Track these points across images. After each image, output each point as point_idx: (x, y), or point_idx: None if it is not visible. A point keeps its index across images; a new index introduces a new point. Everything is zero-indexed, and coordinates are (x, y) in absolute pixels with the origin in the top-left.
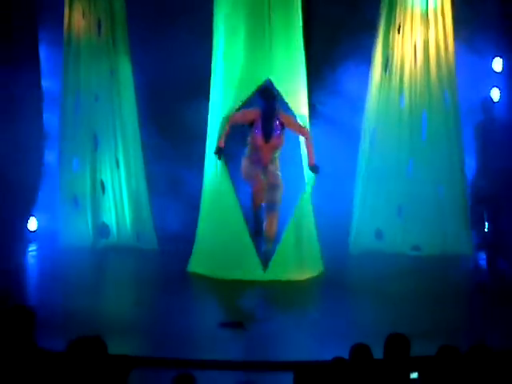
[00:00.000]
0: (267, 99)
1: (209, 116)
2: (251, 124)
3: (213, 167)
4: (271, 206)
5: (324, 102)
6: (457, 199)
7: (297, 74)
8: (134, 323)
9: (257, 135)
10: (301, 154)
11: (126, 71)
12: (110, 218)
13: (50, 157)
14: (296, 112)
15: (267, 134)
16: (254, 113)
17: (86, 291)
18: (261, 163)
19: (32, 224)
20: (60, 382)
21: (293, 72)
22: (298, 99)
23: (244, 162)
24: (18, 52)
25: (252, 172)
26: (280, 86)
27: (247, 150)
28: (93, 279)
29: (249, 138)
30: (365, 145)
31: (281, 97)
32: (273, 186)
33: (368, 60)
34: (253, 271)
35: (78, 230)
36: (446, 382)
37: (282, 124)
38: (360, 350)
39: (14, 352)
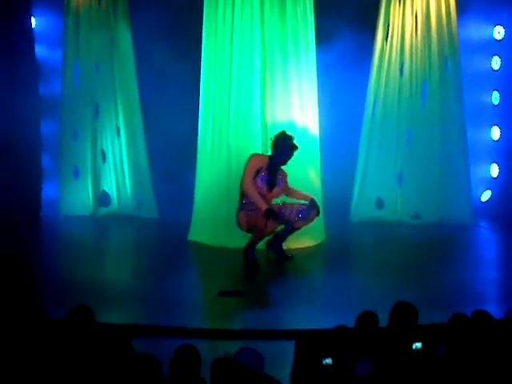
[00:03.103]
0: (291, 148)
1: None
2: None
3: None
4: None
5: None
6: (457, 168)
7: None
8: (134, 292)
9: (262, 183)
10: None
11: (126, 40)
12: (110, 186)
13: (50, 126)
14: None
15: (272, 183)
16: (263, 160)
17: (86, 260)
18: (260, 211)
19: None
20: (59, 348)
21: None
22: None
23: (242, 215)
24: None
25: (257, 221)
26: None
27: (243, 201)
28: (93, 247)
29: None
30: (367, 115)
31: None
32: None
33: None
34: None
35: (79, 199)
36: (456, 350)
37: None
38: (367, 318)
39: (16, 317)
